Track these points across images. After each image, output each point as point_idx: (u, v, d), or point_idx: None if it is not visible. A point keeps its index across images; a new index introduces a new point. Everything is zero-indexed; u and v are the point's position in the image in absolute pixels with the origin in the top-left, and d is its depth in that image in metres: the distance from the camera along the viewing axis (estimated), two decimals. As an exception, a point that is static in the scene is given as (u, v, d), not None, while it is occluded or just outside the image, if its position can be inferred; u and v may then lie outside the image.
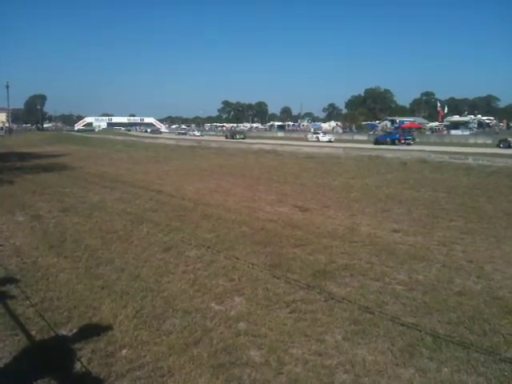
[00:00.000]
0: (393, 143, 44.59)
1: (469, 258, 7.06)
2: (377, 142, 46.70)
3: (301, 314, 4.97)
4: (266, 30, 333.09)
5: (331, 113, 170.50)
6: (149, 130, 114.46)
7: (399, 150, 29.59)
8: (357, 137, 67.31)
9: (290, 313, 5.02)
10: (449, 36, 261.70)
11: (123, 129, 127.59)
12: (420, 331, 4.51)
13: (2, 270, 6.46)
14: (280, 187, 15.26)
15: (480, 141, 50.22)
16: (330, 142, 51.47)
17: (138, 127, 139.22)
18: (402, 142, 45.68)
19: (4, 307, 5.05)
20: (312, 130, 72.95)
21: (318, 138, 56.63)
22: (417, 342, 4.32)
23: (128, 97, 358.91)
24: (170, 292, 5.64)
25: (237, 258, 6.91)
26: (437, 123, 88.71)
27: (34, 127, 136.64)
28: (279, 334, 4.48)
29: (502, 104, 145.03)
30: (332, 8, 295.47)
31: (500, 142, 41.05)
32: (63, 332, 4.54)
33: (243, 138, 62.63)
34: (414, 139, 47.57)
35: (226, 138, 66.62)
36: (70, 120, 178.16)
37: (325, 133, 63.42)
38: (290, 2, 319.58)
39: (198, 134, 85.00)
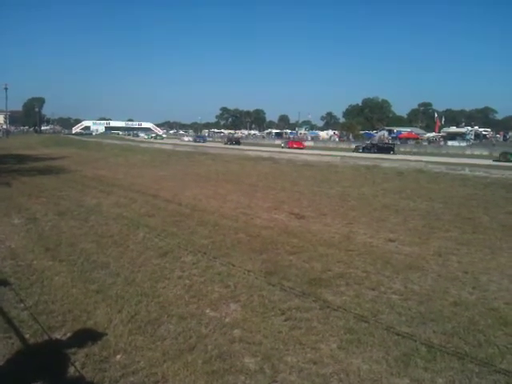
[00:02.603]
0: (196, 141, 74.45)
1: (464, 269, 7.07)
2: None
3: (296, 322, 4.96)
4: (265, 38, 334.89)
5: (329, 121, 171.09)
6: (131, 134, 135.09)
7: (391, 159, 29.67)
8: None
9: (285, 320, 5.00)
10: (447, 47, 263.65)
11: (120, 133, 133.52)
12: (415, 341, 4.51)
13: (-3, 272, 6.42)
14: (277, 194, 15.27)
15: (477, 152, 50.51)
16: (189, 141, 77.40)
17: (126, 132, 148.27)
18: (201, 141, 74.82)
19: (-2, 310, 5.02)
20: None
21: (183, 139, 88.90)
22: (412, 351, 4.31)
23: (126, 101, 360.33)
24: (166, 297, 5.62)
25: (232, 265, 6.90)
26: (434, 134, 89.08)
27: (31, 130, 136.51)
28: (274, 342, 4.47)
29: (499, 116, 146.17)
30: (331, 18, 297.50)
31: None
32: (57, 336, 4.51)
33: (162, 139, 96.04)
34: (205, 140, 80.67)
35: (153, 138, 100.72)
36: (67, 123, 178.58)
37: (188, 135, 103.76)
38: (289, 11, 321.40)
39: (146, 137, 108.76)
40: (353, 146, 59.41)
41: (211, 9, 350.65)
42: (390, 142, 60.15)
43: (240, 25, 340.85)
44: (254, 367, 4.01)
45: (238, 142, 71.19)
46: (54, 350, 4.25)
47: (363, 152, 44.02)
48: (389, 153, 42.01)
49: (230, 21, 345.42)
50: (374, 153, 41.35)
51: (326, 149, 54.95)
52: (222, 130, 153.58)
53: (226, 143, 68.57)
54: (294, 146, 57.45)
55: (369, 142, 56.80)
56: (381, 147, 47.49)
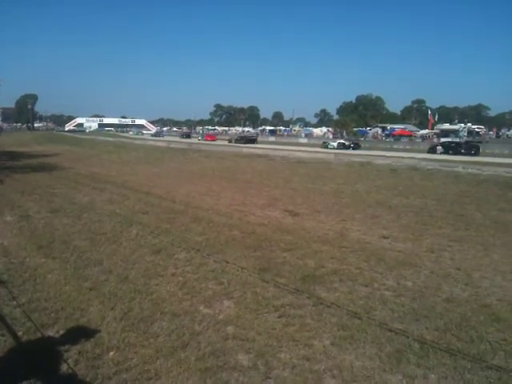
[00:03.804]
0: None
1: (457, 266, 7.11)
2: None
3: (289, 319, 4.97)
4: (259, 35, 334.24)
5: (323, 118, 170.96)
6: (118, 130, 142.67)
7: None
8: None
9: (279, 317, 5.01)
10: (440, 45, 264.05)
11: (113, 130, 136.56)
12: (408, 337, 4.53)
13: (-11, 269, 6.39)
14: (271, 191, 15.27)
15: (470, 149, 50.52)
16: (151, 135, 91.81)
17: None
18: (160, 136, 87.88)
19: (-10, 307, 5.00)
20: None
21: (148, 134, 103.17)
22: (404, 348, 4.34)
23: (120, 98, 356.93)
24: (159, 294, 5.62)
25: (226, 262, 6.90)
26: (427, 131, 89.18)
27: (24, 127, 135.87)
28: (267, 339, 4.48)
29: (492, 113, 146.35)
30: (324, 16, 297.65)
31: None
32: (50, 333, 4.50)
33: (142, 135, 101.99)
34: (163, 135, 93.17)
35: (136, 134, 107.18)
36: (60, 120, 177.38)
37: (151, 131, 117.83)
38: (283, 9, 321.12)
39: (131, 133, 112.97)
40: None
41: (205, 6, 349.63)
42: (256, 136, 76.96)
43: (234, 22, 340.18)
44: (248, 364, 4.02)
45: (188, 135, 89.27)
46: (46, 348, 4.24)
47: (235, 143, 56.64)
48: (253, 143, 57.73)
49: (224, 18, 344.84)
50: (245, 143, 54.88)
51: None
52: (216, 127, 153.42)
53: (181, 137, 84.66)
54: (208, 139, 73.62)
55: (239, 136, 72.32)
56: (248, 139, 62.54)
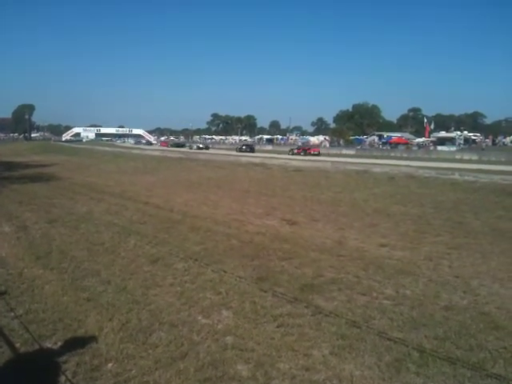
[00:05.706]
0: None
1: (455, 273, 7.10)
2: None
3: (288, 328, 4.95)
4: (255, 43, 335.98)
5: (320, 127, 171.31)
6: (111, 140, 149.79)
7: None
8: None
9: (278, 327, 5.00)
10: (437, 53, 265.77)
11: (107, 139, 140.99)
12: (407, 346, 4.52)
13: (-14, 281, 6.36)
14: (268, 200, 15.27)
15: (466, 157, 50.77)
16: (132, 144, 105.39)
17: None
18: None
19: (-13, 319, 4.97)
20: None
21: (131, 142, 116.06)
22: (404, 357, 4.32)
23: (117, 108, 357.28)
24: (157, 305, 5.60)
25: (224, 271, 6.89)
26: (424, 139, 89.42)
27: (21, 137, 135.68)
28: (266, 349, 4.46)
29: (488, 121, 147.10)
30: (320, 23, 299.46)
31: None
32: (48, 344, 4.47)
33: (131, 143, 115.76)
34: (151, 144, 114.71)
35: (123, 142, 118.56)
36: (57, 130, 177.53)
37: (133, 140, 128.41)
38: (280, 17, 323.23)
39: (118, 142, 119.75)
40: (343, 151, 65.77)
41: (203, 14, 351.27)
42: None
43: (231, 31, 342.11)
44: (247, 374, 4.01)
45: (151, 143, 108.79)
46: (44, 359, 4.21)
47: (170, 147, 77.58)
48: (183, 147, 77.94)
49: (221, 26, 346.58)
50: (176, 147, 78.06)
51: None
52: (213, 136, 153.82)
53: (145, 144, 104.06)
54: (163, 144, 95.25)
55: (174, 142, 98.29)
56: (178, 145, 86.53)
